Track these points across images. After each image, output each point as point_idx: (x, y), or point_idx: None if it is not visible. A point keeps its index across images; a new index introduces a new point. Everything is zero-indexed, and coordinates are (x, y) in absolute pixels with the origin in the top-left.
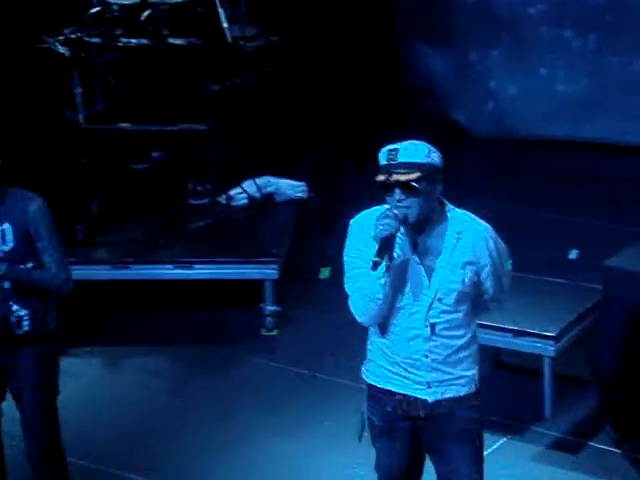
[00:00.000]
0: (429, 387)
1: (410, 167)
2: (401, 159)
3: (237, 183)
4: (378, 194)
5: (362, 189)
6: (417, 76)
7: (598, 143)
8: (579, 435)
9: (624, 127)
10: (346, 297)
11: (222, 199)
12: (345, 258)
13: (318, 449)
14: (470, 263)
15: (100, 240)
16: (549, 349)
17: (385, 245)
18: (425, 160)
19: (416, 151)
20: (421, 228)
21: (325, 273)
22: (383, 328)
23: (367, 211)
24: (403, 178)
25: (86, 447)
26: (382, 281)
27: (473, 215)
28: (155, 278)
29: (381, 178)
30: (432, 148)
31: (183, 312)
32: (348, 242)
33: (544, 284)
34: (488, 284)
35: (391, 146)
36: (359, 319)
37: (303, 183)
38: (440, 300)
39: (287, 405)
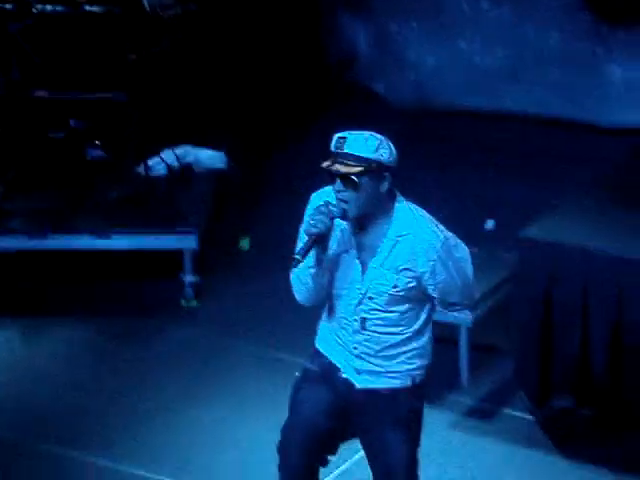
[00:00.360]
0: (358, 374)
1: (354, 160)
2: (347, 149)
3: (155, 153)
4: (298, 166)
5: (281, 160)
6: (339, 47)
7: (516, 114)
8: (494, 403)
9: (541, 98)
10: (265, 268)
11: (140, 169)
12: (300, 230)
13: (237, 416)
14: (406, 269)
15: (16, 209)
16: (466, 319)
17: (312, 243)
18: (372, 155)
19: (364, 144)
20: (362, 224)
21: (244, 243)
22: (329, 309)
23: (326, 189)
24: (344, 170)
25: (6, 419)
26: (312, 271)
27: (428, 220)
28: (73, 248)
29: (325, 164)
30: (384, 144)
31: (101, 283)
32: (304, 216)
33: None
34: (432, 292)
35: (342, 134)
36: (296, 297)
37: (222, 153)
38: (371, 299)
39: (206, 374)
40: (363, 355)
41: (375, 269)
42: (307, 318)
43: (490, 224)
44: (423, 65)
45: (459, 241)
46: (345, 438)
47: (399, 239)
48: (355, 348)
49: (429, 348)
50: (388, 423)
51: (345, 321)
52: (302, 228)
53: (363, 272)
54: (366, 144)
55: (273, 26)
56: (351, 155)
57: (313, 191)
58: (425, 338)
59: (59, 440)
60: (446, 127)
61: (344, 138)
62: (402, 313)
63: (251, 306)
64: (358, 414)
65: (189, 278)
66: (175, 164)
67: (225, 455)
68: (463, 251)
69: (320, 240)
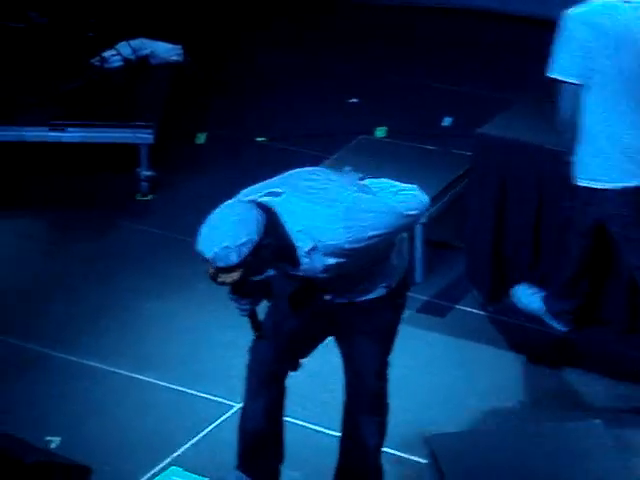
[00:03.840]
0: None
1: (229, 270)
2: (219, 264)
3: (111, 45)
4: (256, 59)
5: (237, 54)
6: None
7: (478, 10)
8: (447, 299)
9: None
10: (221, 162)
11: (95, 61)
12: None
13: (193, 311)
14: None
15: None
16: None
17: (253, 319)
18: (238, 260)
19: (227, 257)
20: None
21: (201, 139)
22: None
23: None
24: (229, 280)
25: None
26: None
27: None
28: (27, 140)
29: (210, 273)
30: (243, 238)
31: (56, 176)
32: None
33: (416, 151)
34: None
35: (201, 252)
36: None
37: (179, 46)
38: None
39: (161, 269)
40: (334, 284)
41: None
42: None
43: (447, 121)
44: None
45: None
46: (319, 342)
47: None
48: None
49: (402, 258)
50: (364, 333)
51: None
52: None
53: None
54: (228, 256)
55: None
56: (225, 268)
57: (270, 87)
58: (394, 257)
59: (13, 333)
60: (406, 23)
61: (208, 259)
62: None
63: (206, 200)
64: (335, 320)
65: (145, 172)
66: (131, 56)
67: (179, 347)
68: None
69: (255, 316)
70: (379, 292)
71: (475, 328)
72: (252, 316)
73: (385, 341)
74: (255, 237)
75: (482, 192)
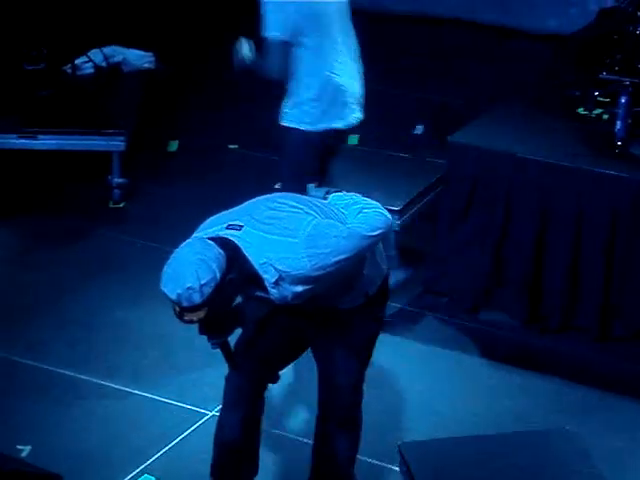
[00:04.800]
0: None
1: (194, 309)
2: (183, 305)
3: (83, 52)
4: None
5: (210, 61)
6: None
7: (446, 19)
8: (419, 306)
9: (470, 4)
10: (194, 170)
11: (67, 68)
12: None
13: (167, 319)
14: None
15: None
16: (393, 223)
17: (225, 351)
18: (201, 300)
19: (190, 297)
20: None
21: (173, 146)
22: None
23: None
24: (195, 318)
25: None
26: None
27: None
28: None
29: (176, 312)
30: (203, 279)
31: (27, 184)
32: None
33: (389, 159)
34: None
35: (165, 293)
36: None
37: (151, 54)
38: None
39: (134, 276)
40: (309, 304)
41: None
42: None
43: (419, 129)
44: None
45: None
46: (297, 353)
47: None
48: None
49: (377, 267)
50: (343, 347)
51: None
52: None
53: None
54: (191, 297)
55: None
56: (189, 307)
57: (243, 95)
58: (368, 268)
59: None
60: (376, 32)
61: (173, 301)
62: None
63: (178, 208)
64: (314, 332)
65: (117, 180)
66: (103, 64)
67: (150, 354)
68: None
69: (226, 347)
70: (358, 301)
71: (447, 336)
72: (224, 348)
73: (363, 356)
74: (217, 275)
75: (453, 199)
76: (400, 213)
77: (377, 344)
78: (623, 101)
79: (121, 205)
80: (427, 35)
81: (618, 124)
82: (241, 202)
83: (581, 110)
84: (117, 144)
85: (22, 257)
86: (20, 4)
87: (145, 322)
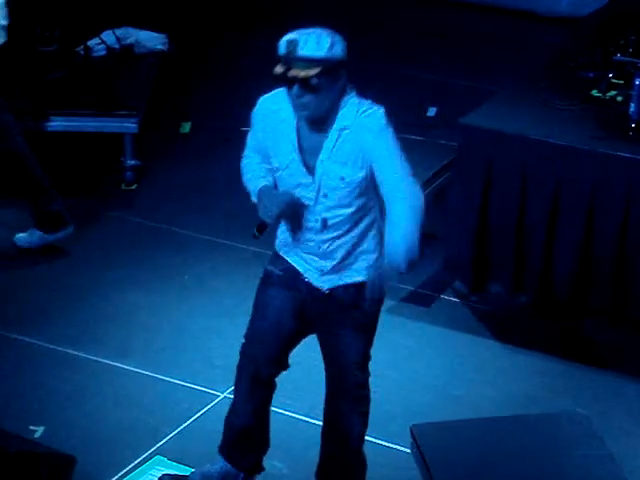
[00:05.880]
0: (322, 274)
1: (310, 62)
2: (300, 53)
3: (95, 34)
4: (241, 50)
5: (223, 43)
6: None
7: (457, 2)
8: (431, 289)
9: None
10: (206, 152)
11: (80, 50)
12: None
13: (175, 301)
14: (352, 161)
15: None
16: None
17: (264, 226)
18: (326, 54)
19: (317, 44)
20: (318, 123)
21: (185, 128)
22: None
23: (274, 93)
24: (302, 74)
25: None
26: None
27: (369, 106)
28: None
29: (279, 71)
30: (336, 39)
31: (41, 164)
32: (251, 122)
33: (401, 141)
34: (382, 179)
35: (291, 36)
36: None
37: (164, 35)
38: (325, 196)
39: (146, 258)
40: (327, 254)
41: (322, 163)
42: (245, 204)
43: (432, 111)
44: None
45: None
46: (304, 337)
47: (342, 132)
48: (319, 247)
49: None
50: (349, 327)
51: (306, 223)
52: (249, 137)
53: (312, 172)
54: (319, 44)
55: None
56: (307, 57)
57: (255, 76)
58: (381, 221)
59: None
60: (388, 14)
61: (295, 41)
62: (359, 208)
63: (190, 190)
64: (320, 317)
65: (129, 162)
66: (115, 45)
67: (162, 336)
68: (396, 147)
69: (267, 226)
70: (362, 272)
71: (459, 317)
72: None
73: (367, 334)
74: (344, 57)
75: (467, 181)
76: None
77: (391, 327)
78: (637, 83)
79: (133, 187)
80: (438, 18)
81: (632, 106)
82: None
83: (595, 92)
84: (130, 126)
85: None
86: None
87: (158, 304)
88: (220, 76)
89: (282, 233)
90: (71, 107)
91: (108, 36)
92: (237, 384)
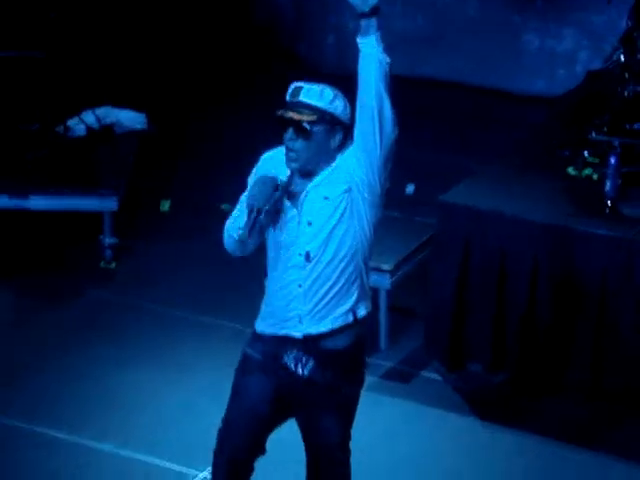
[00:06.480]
0: (301, 322)
1: (308, 108)
2: (302, 98)
3: (75, 113)
4: (219, 129)
5: (203, 123)
6: (265, 10)
7: (434, 80)
8: (411, 366)
9: (460, 65)
10: (186, 230)
11: (60, 129)
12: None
13: (158, 380)
14: (337, 183)
15: None
16: (385, 282)
17: (255, 216)
18: (326, 106)
19: (320, 94)
20: (308, 175)
21: (165, 206)
22: (270, 266)
23: (275, 150)
24: (297, 117)
25: None
26: (240, 232)
27: None
28: None
29: (278, 113)
30: (340, 97)
31: (20, 244)
32: (250, 179)
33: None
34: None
35: (298, 83)
36: (225, 245)
37: (143, 114)
38: (310, 224)
39: (126, 337)
40: (307, 293)
41: (308, 193)
42: (226, 281)
43: (410, 188)
44: (343, 28)
45: None
46: (283, 421)
47: (334, 169)
48: (300, 286)
49: (367, 284)
50: (329, 409)
51: (289, 260)
52: (244, 194)
53: (295, 204)
54: (321, 95)
55: None
56: (306, 104)
57: (235, 154)
58: (364, 272)
59: None
60: None
61: (300, 87)
62: (342, 237)
63: (170, 269)
64: (299, 400)
65: (108, 240)
66: (95, 125)
67: (141, 415)
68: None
69: (258, 214)
70: (346, 317)
71: (440, 395)
72: (259, 211)
73: (348, 415)
74: (344, 116)
75: (445, 258)
76: (392, 272)
77: (370, 404)
78: (612, 161)
79: (112, 266)
80: (416, 95)
81: (608, 184)
82: (233, 263)
83: (571, 170)
84: (109, 204)
85: (13, 317)
86: (14, 66)
87: (137, 383)
88: (200, 154)
89: (264, 304)
90: (51, 186)
91: (88, 116)
92: (215, 469)
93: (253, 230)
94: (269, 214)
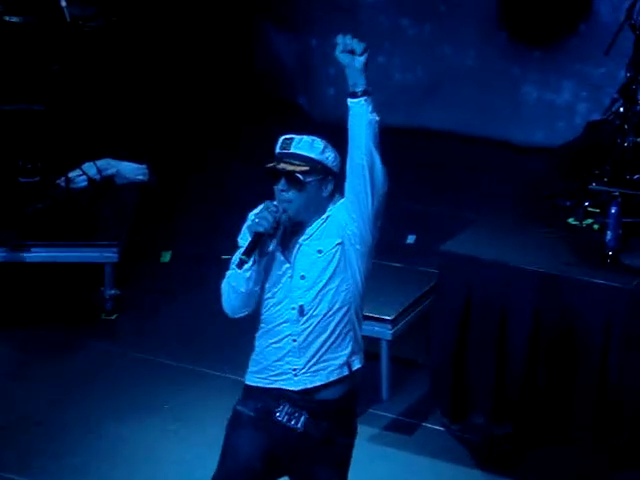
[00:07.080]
0: (295, 375)
1: (300, 159)
2: (293, 149)
3: (76, 165)
4: (221, 179)
5: (205, 174)
6: (267, 61)
7: (433, 131)
8: (414, 417)
9: (458, 116)
10: (186, 281)
11: (61, 181)
12: (238, 240)
13: (157, 432)
14: (330, 235)
15: None
16: (386, 332)
17: (256, 241)
18: (317, 156)
19: (310, 146)
20: (299, 226)
21: (166, 257)
22: (263, 320)
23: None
24: (289, 168)
25: None
26: (247, 274)
27: None
28: None
29: (270, 165)
30: (330, 148)
31: (21, 296)
32: (240, 238)
33: (381, 268)
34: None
35: (288, 135)
36: (225, 309)
37: (144, 166)
38: (303, 278)
39: (126, 389)
40: (302, 347)
41: (301, 246)
42: (226, 332)
43: (411, 239)
44: (343, 80)
45: None
46: (277, 478)
47: (326, 219)
48: (294, 340)
49: (360, 334)
50: (323, 463)
51: (283, 315)
52: (241, 235)
53: (288, 258)
54: (312, 146)
55: (198, 39)
56: (297, 155)
57: (235, 205)
58: (357, 323)
59: None
60: None
61: (290, 139)
62: (336, 289)
63: (170, 321)
64: (293, 456)
65: (109, 291)
66: (96, 177)
67: (143, 468)
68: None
69: (261, 241)
70: (341, 371)
71: (443, 446)
72: (262, 236)
73: (342, 468)
74: (334, 166)
75: (447, 309)
76: (393, 322)
77: (372, 456)
78: (613, 211)
79: (113, 317)
80: (416, 146)
81: (609, 234)
82: None
83: (572, 220)
84: (110, 256)
85: (13, 370)
86: (15, 119)
87: (138, 435)
88: (200, 205)
89: (255, 356)
90: (52, 238)
91: (89, 167)
92: None
93: (253, 253)
94: (271, 239)
